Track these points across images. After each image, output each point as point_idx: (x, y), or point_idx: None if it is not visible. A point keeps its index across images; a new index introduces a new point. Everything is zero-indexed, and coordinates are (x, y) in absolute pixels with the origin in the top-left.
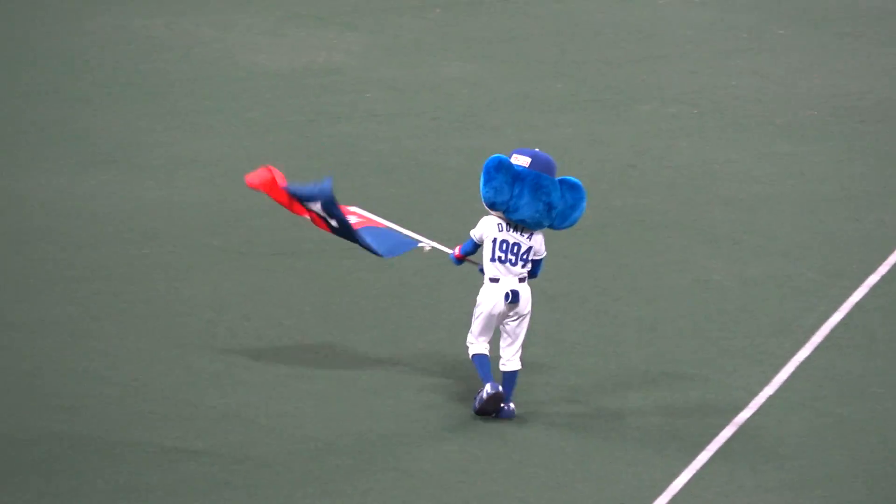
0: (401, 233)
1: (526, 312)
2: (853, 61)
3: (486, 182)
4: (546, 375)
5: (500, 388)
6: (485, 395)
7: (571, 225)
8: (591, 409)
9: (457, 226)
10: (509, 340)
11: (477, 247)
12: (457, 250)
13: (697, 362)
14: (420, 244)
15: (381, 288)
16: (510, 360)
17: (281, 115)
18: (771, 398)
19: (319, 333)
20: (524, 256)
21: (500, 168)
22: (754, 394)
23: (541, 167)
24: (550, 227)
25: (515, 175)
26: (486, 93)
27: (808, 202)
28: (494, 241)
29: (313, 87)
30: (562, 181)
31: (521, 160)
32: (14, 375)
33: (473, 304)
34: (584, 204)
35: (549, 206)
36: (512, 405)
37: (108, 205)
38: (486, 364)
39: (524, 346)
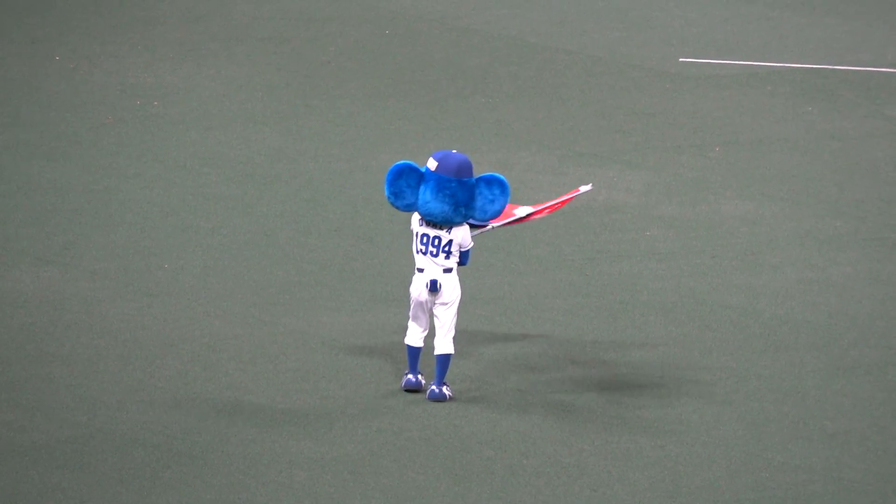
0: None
1: (449, 301)
2: None
3: (387, 187)
4: None
5: (417, 381)
6: (404, 382)
7: (495, 216)
8: None
9: (736, 364)
10: (439, 325)
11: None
12: None
13: None
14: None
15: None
16: (440, 343)
17: (562, 253)
18: None
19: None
20: (446, 248)
21: (401, 174)
22: None
23: (447, 170)
24: (472, 219)
25: (420, 177)
26: (765, 230)
27: None
28: (415, 234)
29: (594, 225)
30: (478, 179)
31: (430, 163)
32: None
33: None
34: (506, 198)
35: (456, 204)
36: (445, 389)
37: (388, 343)
38: (412, 355)
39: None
